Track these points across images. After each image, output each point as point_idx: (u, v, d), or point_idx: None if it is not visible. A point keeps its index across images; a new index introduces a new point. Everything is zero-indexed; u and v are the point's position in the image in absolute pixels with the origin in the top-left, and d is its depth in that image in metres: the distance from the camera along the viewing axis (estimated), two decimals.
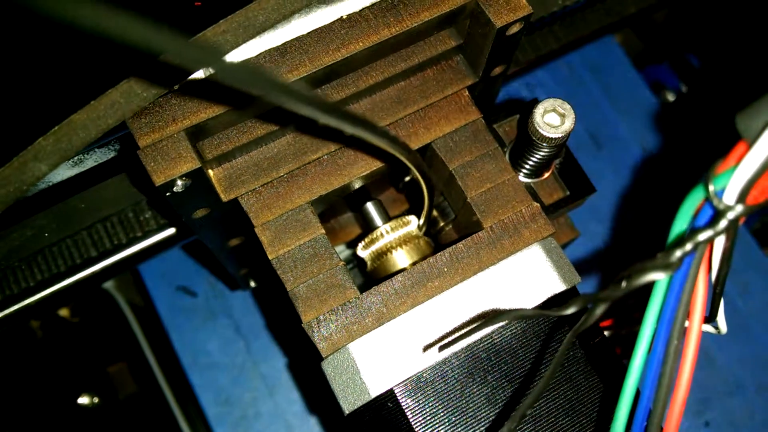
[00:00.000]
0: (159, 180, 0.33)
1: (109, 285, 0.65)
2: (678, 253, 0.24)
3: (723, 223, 0.24)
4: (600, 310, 0.27)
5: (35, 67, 0.35)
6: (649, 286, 0.27)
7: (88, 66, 0.33)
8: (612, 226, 0.71)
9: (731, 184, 0.24)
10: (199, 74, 0.33)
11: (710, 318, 0.33)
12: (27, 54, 0.35)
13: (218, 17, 0.32)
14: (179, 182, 0.33)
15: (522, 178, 0.43)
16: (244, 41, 0.33)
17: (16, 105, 0.34)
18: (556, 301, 0.37)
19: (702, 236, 0.24)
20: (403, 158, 0.34)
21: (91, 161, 0.37)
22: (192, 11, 0.33)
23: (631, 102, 0.76)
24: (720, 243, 0.26)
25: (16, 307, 0.44)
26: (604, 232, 0.71)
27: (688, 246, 0.24)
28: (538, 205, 0.39)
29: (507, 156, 0.43)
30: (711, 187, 0.24)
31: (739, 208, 0.24)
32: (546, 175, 0.43)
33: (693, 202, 0.26)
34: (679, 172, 0.73)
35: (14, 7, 0.34)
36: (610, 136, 0.75)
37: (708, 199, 0.25)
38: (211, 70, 0.33)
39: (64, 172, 0.36)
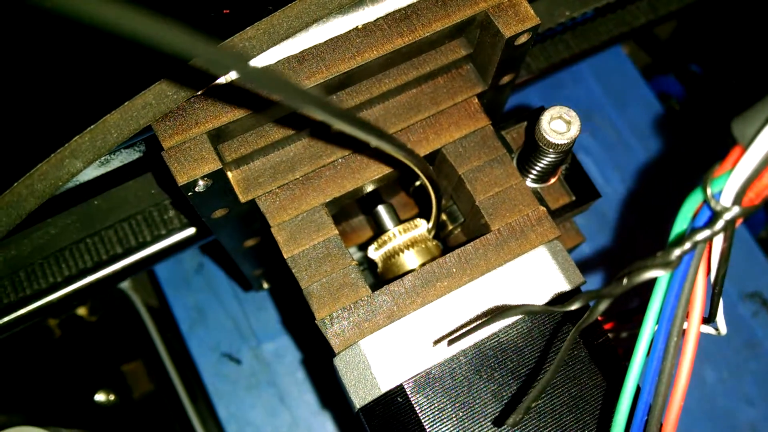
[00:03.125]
0: (182, 180, 0.34)
1: (125, 285, 0.66)
2: (677, 252, 0.26)
3: (720, 224, 0.25)
4: (602, 306, 0.28)
5: (68, 71, 0.36)
6: (651, 286, 0.28)
7: (119, 70, 0.35)
8: (617, 232, 0.72)
9: (727, 186, 0.25)
10: (222, 80, 0.35)
11: (710, 319, 0.34)
12: (60, 58, 0.36)
13: (246, 24, 0.34)
14: (201, 182, 0.35)
15: (529, 183, 0.44)
16: (269, 47, 0.34)
17: (49, 106, 0.35)
18: (560, 301, 0.38)
19: (700, 236, 0.25)
20: (410, 164, 0.36)
21: (117, 162, 0.38)
22: (221, 18, 0.35)
23: (638, 110, 0.78)
24: (718, 244, 0.27)
25: (39, 303, 0.46)
26: (608, 237, 0.72)
27: (687, 245, 0.25)
28: (544, 209, 0.40)
29: (514, 162, 0.44)
30: (709, 190, 0.26)
31: (736, 209, 0.25)
32: (552, 180, 0.45)
33: (692, 204, 0.27)
34: (683, 180, 0.74)
35: (45, 12, 0.35)
36: (617, 143, 0.76)
37: (706, 201, 0.26)
38: (234, 75, 0.35)
39: (91, 171, 0.37)
